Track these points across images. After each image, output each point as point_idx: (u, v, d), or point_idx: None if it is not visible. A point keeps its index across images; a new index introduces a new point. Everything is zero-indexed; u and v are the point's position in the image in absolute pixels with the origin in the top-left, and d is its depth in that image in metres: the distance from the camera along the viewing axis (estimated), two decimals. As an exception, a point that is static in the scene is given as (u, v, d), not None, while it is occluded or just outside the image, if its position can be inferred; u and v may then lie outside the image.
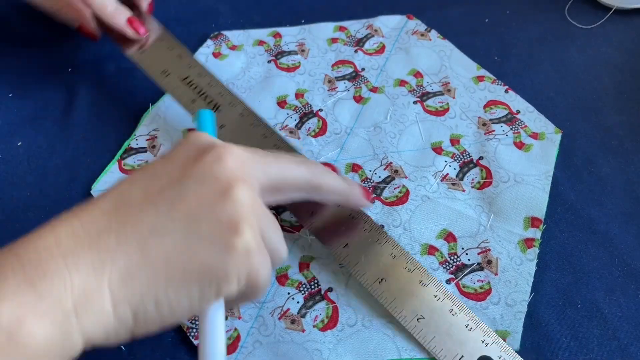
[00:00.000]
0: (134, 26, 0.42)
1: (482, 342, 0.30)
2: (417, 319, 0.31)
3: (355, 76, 0.44)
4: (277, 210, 0.37)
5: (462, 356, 0.30)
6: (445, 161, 0.39)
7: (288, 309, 0.33)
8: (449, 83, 0.44)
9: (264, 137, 0.37)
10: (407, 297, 0.32)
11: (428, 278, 0.32)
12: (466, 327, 0.31)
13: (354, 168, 0.39)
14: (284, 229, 0.36)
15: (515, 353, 0.30)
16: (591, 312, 0.33)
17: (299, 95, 0.43)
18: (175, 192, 0.23)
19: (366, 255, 0.33)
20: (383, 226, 0.36)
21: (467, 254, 0.35)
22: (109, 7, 0.41)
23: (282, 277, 0.34)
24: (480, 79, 0.44)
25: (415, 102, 0.43)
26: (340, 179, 0.32)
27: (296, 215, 0.35)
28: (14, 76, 0.46)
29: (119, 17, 0.41)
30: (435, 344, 0.30)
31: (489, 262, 0.34)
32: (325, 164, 0.34)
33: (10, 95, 0.44)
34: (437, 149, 0.40)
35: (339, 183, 0.31)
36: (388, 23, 0.48)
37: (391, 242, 0.34)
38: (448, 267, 0.34)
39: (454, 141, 0.40)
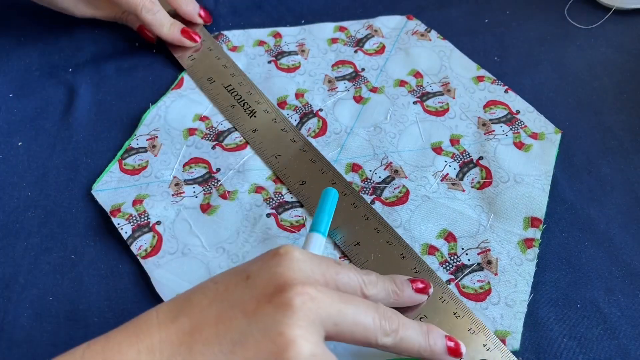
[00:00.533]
0: (188, 36, 0.45)
1: (484, 346, 0.30)
2: (420, 318, 0.31)
3: (355, 76, 0.45)
4: (277, 210, 0.37)
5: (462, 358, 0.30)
6: (445, 161, 0.39)
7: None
8: (448, 83, 0.44)
9: (292, 142, 0.40)
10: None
11: (434, 280, 0.33)
12: (469, 330, 0.31)
13: (354, 168, 0.39)
14: (283, 229, 0.36)
15: (513, 356, 0.30)
16: (591, 312, 0.33)
17: (299, 95, 0.43)
18: (240, 332, 0.24)
19: (376, 255, 0.34)
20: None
21: (467, 254, 0.35)
22: (165, 27, 0.45)
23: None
24: (480, 79, 0.44)
25: (415, 102, 0.43)
26: (419, 330, 0.28)
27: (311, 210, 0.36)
28: (14, 76, 0.46)
29: (175, 33, 0.45)
30: None
31: (489, 262, 0.34)
32: (414, 281, 0.31)
33: (10, 95, 0.44)
34: (437, 149, 0.40)
35: (416, 339, 0.28)
36: (388, 23, 0.48)
37: (402, 244, 0.34)
38: (448, 268, 0.34)
39: (454, 141, 0.40)
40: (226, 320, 0.24)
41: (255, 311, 0.24)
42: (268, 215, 0.37)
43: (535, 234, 0.35)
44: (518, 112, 0.42)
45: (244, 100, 0.42)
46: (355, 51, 0.46)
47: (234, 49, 0.47)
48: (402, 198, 0.37)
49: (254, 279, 0.25)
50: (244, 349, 0.23)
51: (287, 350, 0.23)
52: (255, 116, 0.41)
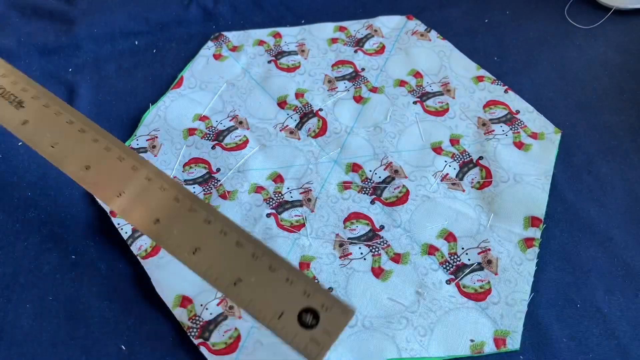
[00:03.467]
0: None
1: (304, 293, 0.26)
2: (234, 283, 0.27)
3: (355, 76, 0.45)
4: (277, 210, 0.37)
5: (283, 313, 0.26)
6: (445, 161, 0.39)
7: (288, 309, 0.32)
8: (448, 83, 0.44)
9: (69, 124, 0.33)
10: (224, 261, 0.27)
11: (246, 238, 0.28)
12: (287, 281, 0.26)
13: (354, 168, 0.39)
14: (283, 229, 0.36)
15: (335, 299, 0.25)
16: (591, 312, 0.33)
17: (299, 95, 0.43)
18: None
19: (179, 227, 0.28)
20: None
21: (467, 253, 0.35)
22: None
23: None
24: (479, 79, 0.44)
25: (415, 102, 0.43)
26: None
27: (100, 195, 0.31)
28: (14, 76, 0.46)
29: None
30: (255, 305, 0.26)
31: (489, 261, 0.34)
32: None
33: (10, 95, 0.44)
34: (437, 149, 0.40)
35: None
36: (388, 23, 0.48)
37: (207, 209, 0.29)
38: (448, 267, 0.34)
39: (454, 141, 0.40)
40: None
41: None
42: (268, 215, 0.37)
43: (536, 233, 0.35)
44: (518, 112, 0.42)
45: (8, 91, 0.35)
46: (355, 51, 0.46)
47: (234, 49, 0.47)
48: (402, 198, 0.37)
49: None
50: None
51: None
52: (23, 106, 0.34)
